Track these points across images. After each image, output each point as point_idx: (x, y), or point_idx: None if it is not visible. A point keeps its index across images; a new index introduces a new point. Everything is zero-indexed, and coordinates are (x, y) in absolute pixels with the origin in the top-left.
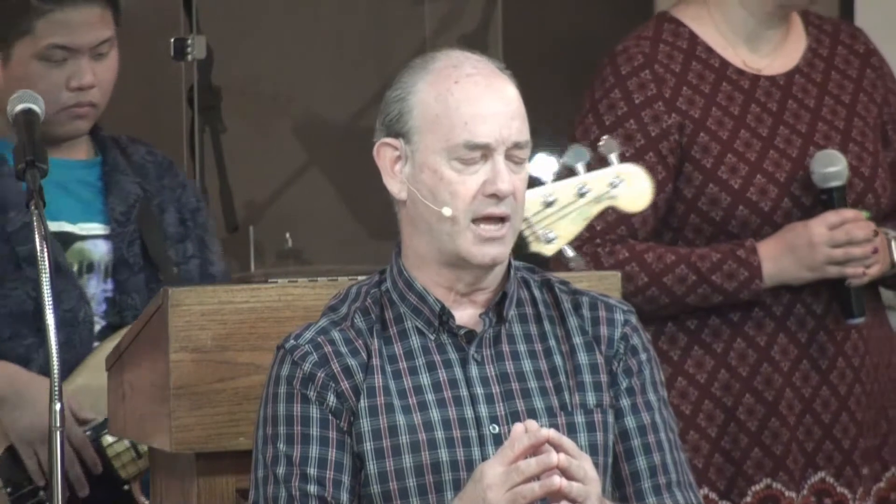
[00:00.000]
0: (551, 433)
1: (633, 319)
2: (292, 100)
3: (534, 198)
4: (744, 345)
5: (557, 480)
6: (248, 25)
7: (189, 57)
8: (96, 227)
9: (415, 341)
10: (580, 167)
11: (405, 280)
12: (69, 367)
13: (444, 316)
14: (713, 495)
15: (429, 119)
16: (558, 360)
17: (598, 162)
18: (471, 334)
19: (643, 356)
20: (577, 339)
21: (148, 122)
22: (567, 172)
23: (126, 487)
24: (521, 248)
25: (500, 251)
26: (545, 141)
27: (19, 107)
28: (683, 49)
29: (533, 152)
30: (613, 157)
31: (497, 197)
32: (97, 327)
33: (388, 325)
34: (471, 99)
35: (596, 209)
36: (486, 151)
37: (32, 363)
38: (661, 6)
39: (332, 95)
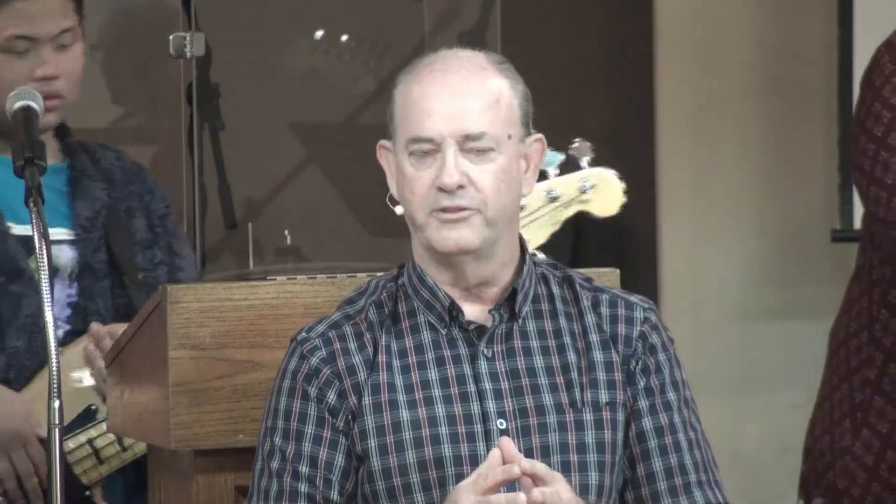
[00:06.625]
0: (524, 467)
1: (653, 317)
2: (291, 97)
3: None
4: None
5: None
6: (246, 23)
7: (188, 54)
8: (61, 233)
9: (426, 336)
10: (551, 171)
11: (418, 275)
12: (30, 372)
13: (454, 311)
14: None
15: (397, 118)
16: (572, 356)
17: (572, 166)
18: (481, 329)
19: (661, 356)
20: (594, 337)
21: (147, 119)
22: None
23: (87, 493)
24: None
25: (463, 234)
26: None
27: (18, 104)
28: None
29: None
30: (585, 160)
31: (444, 190)
32: (60, 332)
33: (401, 319)
34: (421, 94)
35: (566, 214)
36: (433, 146)
37: None
38: (660, 3)
39: (331, 92)
